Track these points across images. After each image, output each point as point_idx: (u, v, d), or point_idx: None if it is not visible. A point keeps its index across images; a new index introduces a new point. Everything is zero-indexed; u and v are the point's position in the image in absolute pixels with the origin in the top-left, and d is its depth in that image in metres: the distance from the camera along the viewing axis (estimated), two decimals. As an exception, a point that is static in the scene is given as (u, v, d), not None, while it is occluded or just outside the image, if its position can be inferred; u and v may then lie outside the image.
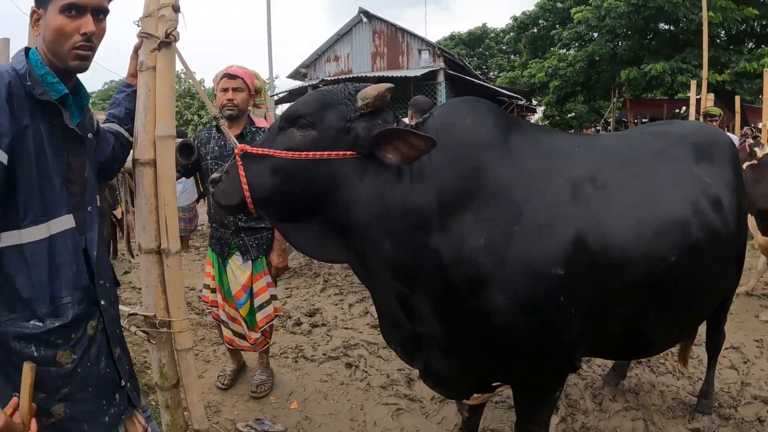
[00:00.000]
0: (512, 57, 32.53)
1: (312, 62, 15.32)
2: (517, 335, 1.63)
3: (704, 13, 8.71)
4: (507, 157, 1.66)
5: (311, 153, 1.53)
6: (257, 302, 2.99)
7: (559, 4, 18.59)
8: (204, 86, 15.19)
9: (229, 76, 2.89)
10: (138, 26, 1.85)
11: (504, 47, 33.15)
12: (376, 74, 14.23)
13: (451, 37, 33.96)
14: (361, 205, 1.55)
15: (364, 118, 1.57)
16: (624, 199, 1.75)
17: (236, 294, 2.96)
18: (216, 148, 2.92)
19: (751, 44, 16.05)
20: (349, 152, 1.54)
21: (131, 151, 1.88)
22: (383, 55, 14.84)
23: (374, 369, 3.45)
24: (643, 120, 19.68)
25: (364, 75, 14.26)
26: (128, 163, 1.92)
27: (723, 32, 15.77)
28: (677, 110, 20.03)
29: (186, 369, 1.94)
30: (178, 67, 1.94)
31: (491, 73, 32.35)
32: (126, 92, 1.88)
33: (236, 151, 1.63)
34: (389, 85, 1.57)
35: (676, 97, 18.83)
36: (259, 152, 1.58)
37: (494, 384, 1.91)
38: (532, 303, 1.60)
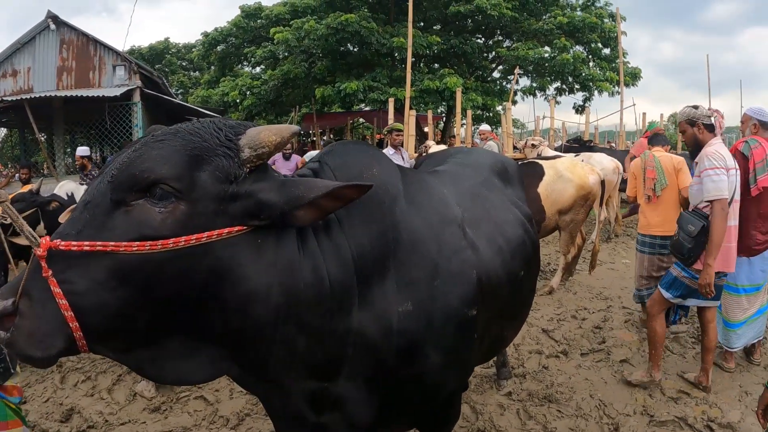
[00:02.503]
0: (193, 74, 31.78)
1: (-19, 78, 12.08)
2: (446, 382, 1.61)
3: (409, 41, 10.32)
4: (412, 208, 1.53)
5: (183, 238, 1.06)
6: None
7: (252, 23, 18.84)
8: None
9: None
10: None
11: (186, 63, 32.10)
12: (65, 93, 12.15)
13: (131, 51, 31.06)
14: (262, 298, 1.17)
15: (255, 174, 1.17)
16: (487, 232, 1.82)
17: None
18: None
19: (435, 65, 19.30)
20: (237, 227, 1.13)
21: None
22: (71, 70, 12.73)
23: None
24: (330, 130, 22.14)
25: (48, 94, 11.96)
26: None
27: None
28: (353, 120, 23.29)
29: None
30: None
31: (171, 90, 30.99)
32: None
33: (38, 249, 1.01)
34: (294, 127, 1.22)
35: (352, 110, 21.87)
36: (88, 248, 1.02)
37: None
38: (458, 349, 1.57)
